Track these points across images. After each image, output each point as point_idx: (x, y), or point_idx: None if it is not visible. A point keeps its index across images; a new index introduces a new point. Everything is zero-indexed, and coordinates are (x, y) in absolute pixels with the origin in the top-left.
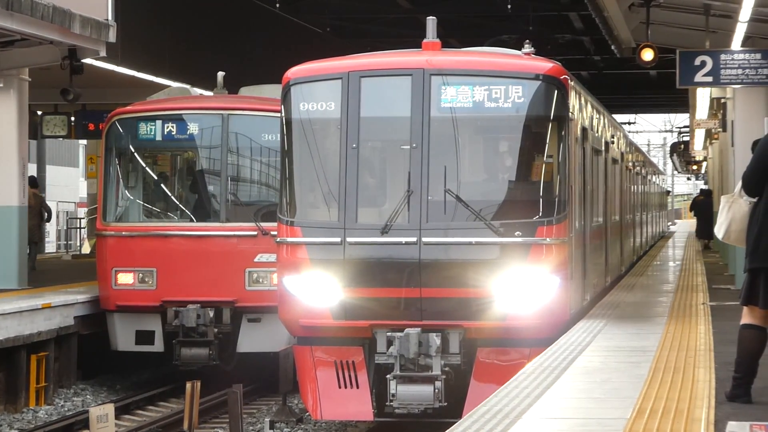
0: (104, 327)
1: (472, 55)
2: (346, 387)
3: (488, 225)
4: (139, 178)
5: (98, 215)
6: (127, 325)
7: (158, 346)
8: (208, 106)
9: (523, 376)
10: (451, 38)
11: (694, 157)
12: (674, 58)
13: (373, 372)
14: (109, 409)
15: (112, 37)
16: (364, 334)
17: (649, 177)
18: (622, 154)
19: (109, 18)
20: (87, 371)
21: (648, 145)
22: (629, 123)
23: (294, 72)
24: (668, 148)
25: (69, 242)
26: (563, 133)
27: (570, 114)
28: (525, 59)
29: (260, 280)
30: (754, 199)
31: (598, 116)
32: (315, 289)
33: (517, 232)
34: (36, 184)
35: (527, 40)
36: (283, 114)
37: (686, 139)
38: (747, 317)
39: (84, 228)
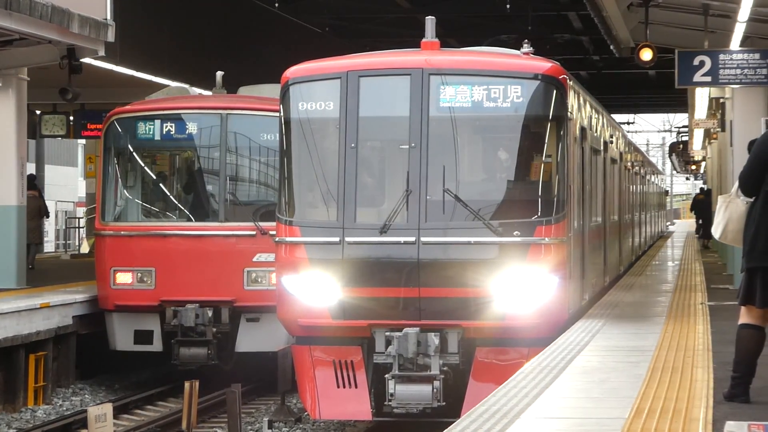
0: (103, 326)
1: (471, 55)
2: (344, 387)
3: (487, 225)
4: (138, 178)
5: (97, 215)
6: (126, 325)
7: (157, 345)
8: (207, 106)
9: (521, 375)
10: (450, 38)
11: (693, 156)
12: (673, 57)
13: (371, 372)
14: (108, 408)
15: (110, 36)
16: (363, 334)
17: (647, 177)
18: (620, 153)
19: (108, 17)
20: (85, 371)
21: (647, 144)
22: (628, 123)
23: (293, 71)
24: (667, 148)
25: (68, 242)
26: (562, 132)
27: (569, 114)
28: (524, 59)
29: (259, 280)
30: (751, 199)
31: (596, 116)
32: (314, 288)
33: (516, 232)
34: (35, 185)
35: (526, 40)
36: (281, 113)
37: (685, 138)
38: (745, 317)
39: (83, 227)
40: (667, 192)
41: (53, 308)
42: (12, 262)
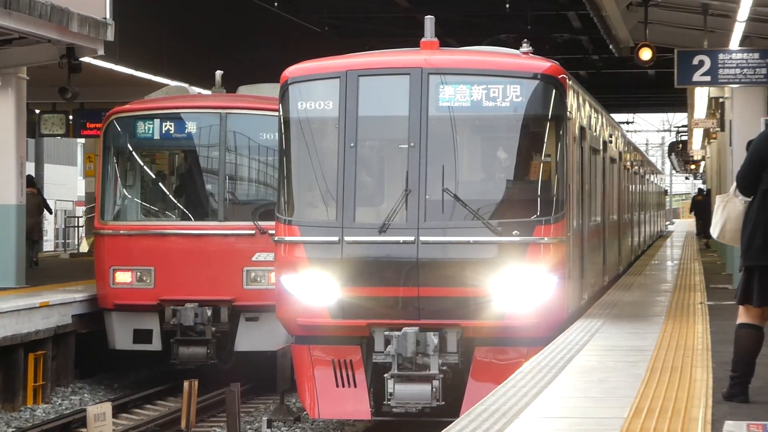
0: (102, 326)
1: (470, 55)
2: (343, 386)
3: (486, 224)
4: (137, 177)
5: (96, 214)
6: (125, 324)
7: (156, 344)
8: (207, 105)
9: (520, 375)
10: (449, 37)
11: (693, 156)
12: (672, 57)
13: (370, 371)
14: (107, 407)
15: (110, 35)
16: (362, 333)
17: (647, 176)
18: (620, 153)
19: (108, 16)
20: (85, 370)
21: (646, 144)
22: (627, 122)
23: (292, 71)
24: (666, 148)
25: (67, 241)
26: (561, 132)
27: (568, 113)
28: (523, 58)
29: (258, 279)
30: (749, 199)
31: (596, 115)
32: (313, 288)
33: (515, 231)
34: (34, 183)
35: (525, 40)
36: (281, 113)
37: (684, 138)
38: (743, 316)
39: (82, 227)
40: (666, 191)
41: (52, 307)
42: (11, 261)
